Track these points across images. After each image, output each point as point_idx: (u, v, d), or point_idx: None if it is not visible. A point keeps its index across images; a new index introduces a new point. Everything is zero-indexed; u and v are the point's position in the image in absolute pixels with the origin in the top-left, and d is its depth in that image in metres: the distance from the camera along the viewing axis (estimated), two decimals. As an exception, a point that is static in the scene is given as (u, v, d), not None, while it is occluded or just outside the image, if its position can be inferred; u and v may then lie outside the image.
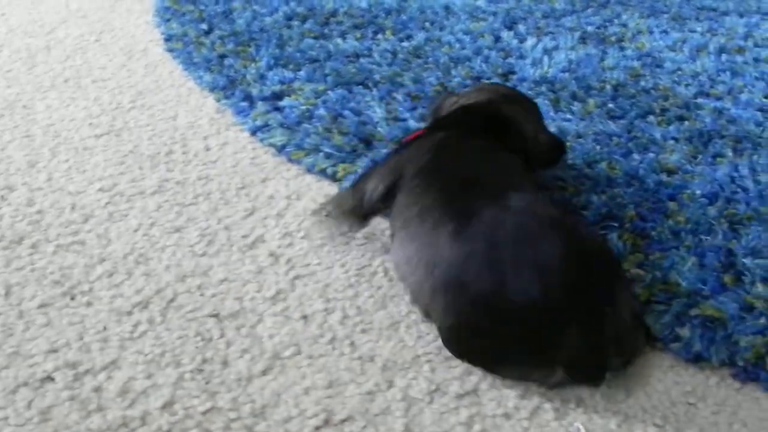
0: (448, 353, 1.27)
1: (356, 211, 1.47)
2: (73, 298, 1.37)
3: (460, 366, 1.26)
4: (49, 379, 1.21)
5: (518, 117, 1.58)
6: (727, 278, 1.43)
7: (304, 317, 1.34)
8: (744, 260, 1.47)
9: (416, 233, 1.30)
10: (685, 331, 1.33)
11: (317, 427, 1.14)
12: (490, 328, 1.19)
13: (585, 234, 1.33)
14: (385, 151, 1.73)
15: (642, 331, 1.30)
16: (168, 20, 2.51)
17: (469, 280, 1.20)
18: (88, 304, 1.36)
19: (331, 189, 1.68)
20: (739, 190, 1.70)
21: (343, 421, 1.16)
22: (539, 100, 2.01)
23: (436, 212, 1.29)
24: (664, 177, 1.72)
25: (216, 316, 1.34)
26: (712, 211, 1.62)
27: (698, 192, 1.67)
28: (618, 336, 1.22)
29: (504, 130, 1.52)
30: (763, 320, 1.34)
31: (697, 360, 1.30)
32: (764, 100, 2.14)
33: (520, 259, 1.19)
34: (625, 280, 1.33)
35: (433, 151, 1.42)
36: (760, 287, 1.41)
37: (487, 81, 2.09)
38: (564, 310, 1.17)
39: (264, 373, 1.23)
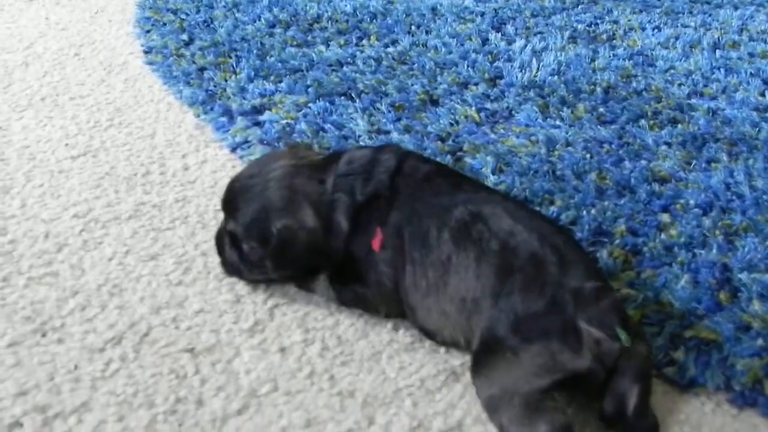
0: (430, 386, 1.22)
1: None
2: (44, 335, 1.33)
3: (443, 399, 1.21)
4: (18, 424, 1.17)
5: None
6: (722, 296, 1.38)
7: (282, 350, 1.29)
8: (740, 276, 1.42)
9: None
10: (679, 354, 1.28)
11: (294, 472, 1.10)
12: None
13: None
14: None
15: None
16: (148, 31, 2.45)
17: None
18: (60, 341, 1.31)
19: (312, 209, 1.63)
20: (734, 198, 1.65)
21: (322, 463, 1.11)
22: (527, 106, 1.96)
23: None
24: (656, 187, 1.67)
25: (191, 350, 1.29)
26: (706, 222, 1.57)
27: (692, 202, 1.62)
28: None
29: None
30: (760, 341, 1.29)
31: (692, 385, 1.26)
32: (760, 98, 2.09)
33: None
34: None
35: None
36: (756, 305, 1.36)
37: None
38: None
39: (239, 412, 1.18)
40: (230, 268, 1.42)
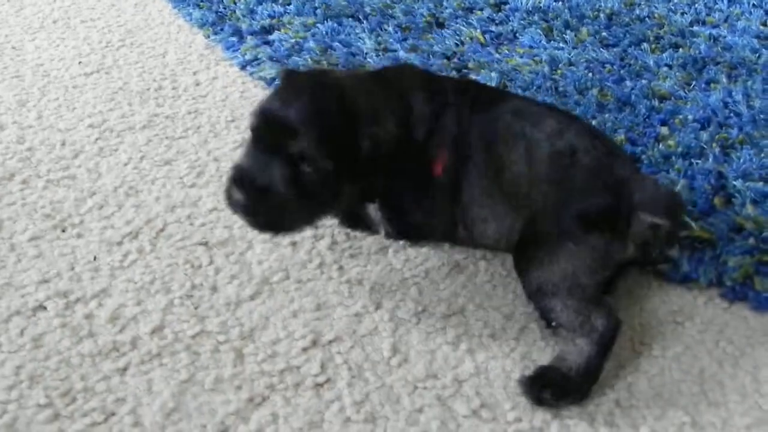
0: (435, 276, 1.28)
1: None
2: (63, 231, 1.38)
3: (447, 288, 1.27)
4: (41, 308, 1.23)
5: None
6: (716, 200, 1.43)
7: (293, 244, 1.35)
8: (734, 183, 1.47)
9: None
10: (674, 252, 1.33)
11: (305, 348, 1.16)
12: None
13: None
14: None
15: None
16: (157, -42, 2.46)
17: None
18: (79, 235, 1.37)
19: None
20: (732, 115, 1.69)
21: (331, 341, 1.17)
22: (531, 29, 1.99)
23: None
24: (656, 103, 1.71)
25: (205, 244, 1.35)
26: (704, 135, 1.61)
27: (690, 117, 1.66)
28: None
29: None
30: (751, 240, 1.34)
31: (686, 280, 1.31)
32: (761, 27, 2.11)
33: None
34: None
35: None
36: (750, 209, 1.41)
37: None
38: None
39: (252, 297, 1.24)
40: (268, 215, 1.20)
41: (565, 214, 1.19)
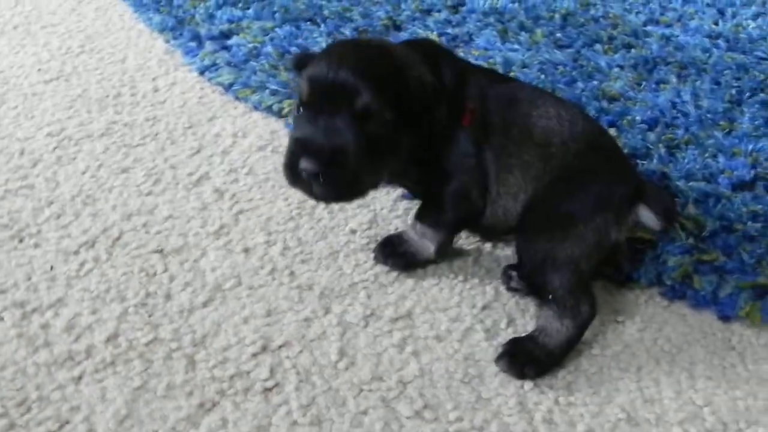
0: (383, 280, 1.32)
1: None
2: (21, 241, 1.40)
3: (395, 291, 1.30)
4: (-2, 318, 1.25)
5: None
6: (660, 201, 1.47)
7: (246, 250, 1.38)
8: (678, 183, 1.51)
9: None
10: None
11: (255, 354, 1.19)
12: None
13: None
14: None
15: None
16: (118, -38, 2.47)
17: None
18: (36, 245, 1.39)
19: (277, 125, 1.70)
20: (679, 115, 1.73)
21: (280, 347, 1.21)
22: (487, 31, 2.03)
23: None
24: (606, 104, 1.75)
25: (160, 251, 1.38)
26: (651, 136, 1.65)
27: (638, 118, 1.71)
28: None
29: None
30: (691, 240, 1.39)
31: (627, 281, 1.35)
32: (713, 26, 2.15)
33: None
34: None
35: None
36: (691, 209, 1.45)
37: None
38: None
39: (205, 304, 1.28)
40: (343, 179, 1.18)
41: (585, 192, 1.25)
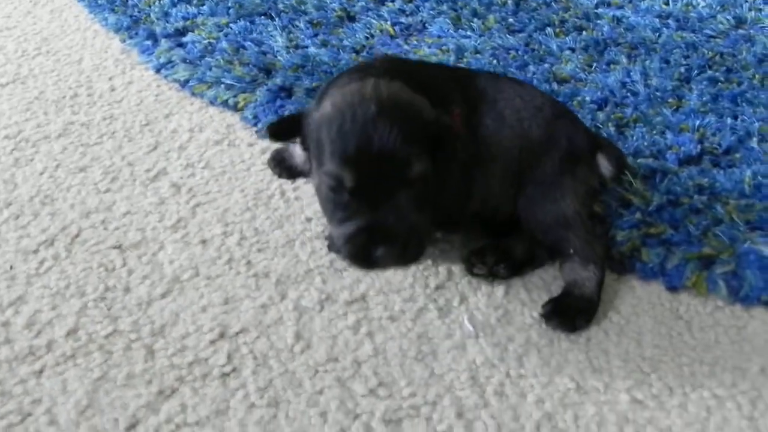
0: (339, 265, 1.34)
1: None
2: (-20, 242, 1.42)
3: (350, 276, 1.33)
4: (-42, 318, 1.27)
5: None
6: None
7: (203, 242, 1.40)
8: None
9: None
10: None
11: (213, 341, 1.22)
12: None
13: None
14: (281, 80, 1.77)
15: None
16: (73, -36, 2.47)
17: None
18: (-5, 246, 1.41)
19: (233, 119, 1.72)
20: (629, 94, 1.78)
21: (238, 333, 1.23)
22: (440, 19, 2.06)
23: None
24: (556, 86, 1.79)
25: (119, 247, 1.40)
26: (600, 115, 1.69)
27: (588, 98, 1.74)
28: None
29: None
30: (638, 215, 1.42)
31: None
32: (664, 6, 2.20)
33: None
34: None
35: None
36: (638, 184, 1.49)
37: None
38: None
39: (163, 296, 1.30)
40: (418, 247, 1.18)
41: (555, 156, 1.36)
